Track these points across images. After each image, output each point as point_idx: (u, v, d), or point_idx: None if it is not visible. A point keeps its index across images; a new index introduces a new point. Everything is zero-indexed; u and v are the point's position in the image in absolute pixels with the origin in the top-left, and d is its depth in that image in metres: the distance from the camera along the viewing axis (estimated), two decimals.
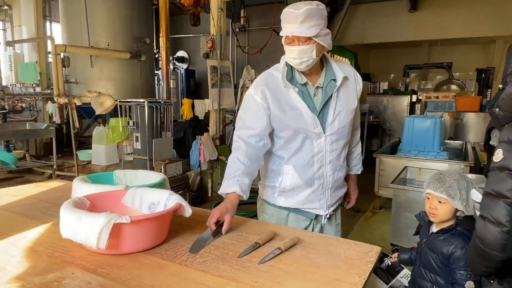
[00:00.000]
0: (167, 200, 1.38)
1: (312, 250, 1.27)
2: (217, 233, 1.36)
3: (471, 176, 3.61)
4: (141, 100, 4.20)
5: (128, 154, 4.56)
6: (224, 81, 4.85)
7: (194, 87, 8.86)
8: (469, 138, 5.91)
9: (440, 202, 1.50)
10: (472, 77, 9.48)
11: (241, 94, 5.89)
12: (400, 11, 8.76)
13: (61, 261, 1.15)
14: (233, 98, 5.22)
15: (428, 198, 1.55)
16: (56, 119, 5.62)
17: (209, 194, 4.92)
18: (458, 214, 1.51)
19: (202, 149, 4.54)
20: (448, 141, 5.62)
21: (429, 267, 1.55)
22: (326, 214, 1.68)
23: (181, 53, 9.37)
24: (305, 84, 1.56)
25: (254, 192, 4.90)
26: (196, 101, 4.83)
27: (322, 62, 1.58)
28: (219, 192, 1.55)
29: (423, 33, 9.05)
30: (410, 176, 3.70)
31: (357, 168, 1.88)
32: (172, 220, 1.35)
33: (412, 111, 8.01)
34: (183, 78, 8.66)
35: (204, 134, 4.84)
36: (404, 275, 1.78)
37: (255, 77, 6.01)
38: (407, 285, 1.70)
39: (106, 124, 5.43)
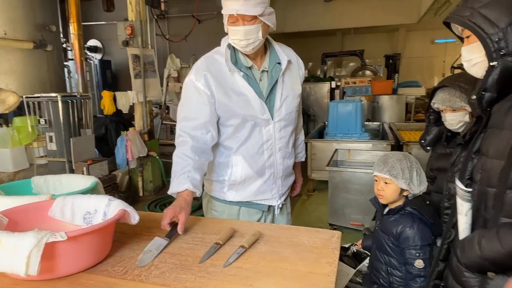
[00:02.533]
0: (107, 207, 1.19)
1: (276, 244, 1.20)
2: (172, 235, 1.22)
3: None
4: (53, 94, 3.71)
5: (41, 157, 4.01)
6: (148, 71, 4.52)
7: (111, 79, 8.18)
8: (385, 119, 6.43)
9: (386, 183, 1.56)
10: (381, 63, 10.32)
11: (167, 85, 5.60)
12: (316, 0, 9.12)
13: None
14: (160, 89, 4.91)
15: (376, 181, 1.61)
16: None
17: (141, 194, 4.60)
18: (405, 194, 1.57)
19: (129, 146, 4.20)
20: (367, 122, 6.04)
21: (382, 249, 1.59)
22: (279, 204, 1.62)
23: (93, 42, 8.56)
24: (250, 67, 1.47)
25: None
26: (118, 94, 4.43)
27: (265, 45, 1.51)
28: (168, 192, 1.40)
29: (338, 22, 9.58)
30: (341, 158, 3.87)
31: (301, 155, 1.86)
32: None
33: (332, 96, 8.44)
34: (97, 70, 7.93)
35: (130, 129, 4.48)
36: None
37: (181, 67, 5.80)
38: None
39: (10, 125, 4.71)
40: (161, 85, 5.30)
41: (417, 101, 7.76)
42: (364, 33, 11.37)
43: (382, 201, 1.60)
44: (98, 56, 8.55)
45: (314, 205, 4.18)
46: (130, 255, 1.13)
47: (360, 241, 1.85)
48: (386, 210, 1.63)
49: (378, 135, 5.68)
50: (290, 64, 1.53)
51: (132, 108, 4.65)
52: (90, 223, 1.17)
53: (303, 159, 1.89)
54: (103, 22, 8.13)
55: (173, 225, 1.26)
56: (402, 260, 1.53)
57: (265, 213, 1.62)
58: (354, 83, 7.24)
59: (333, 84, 8.01)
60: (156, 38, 7.63)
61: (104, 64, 8.13)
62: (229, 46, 1.46)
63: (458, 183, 1.07)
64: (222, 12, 1.38)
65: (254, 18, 1.34)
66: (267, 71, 1.49)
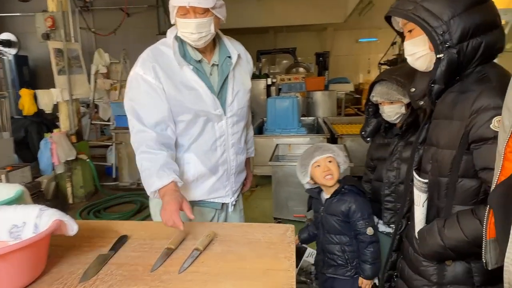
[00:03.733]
0: (38, 218, 1.05)
1: (231, 243, 1.16)
2: (117, 248, 1.11)
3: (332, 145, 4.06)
4: None
5: None
6: (74, 67, 4.14)
7: (29, 76, 7.39)
8: (319, 114, 6.70)
9: (329, 161, 1.68)
10: (312, 60, 10.76)
11: (95, 82, 5.21)
12: None
13: None
14: (87, 86, 4.54)
15: (318, 166, 1.68)
16: None
17: (70, 201, 4.21)
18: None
19: (54, 149, 3.82)
20: (303, 118, 6.24)
21: (333, 230, 1.69)
22: (233, 201, 1.59)
23: (5, 36, 7.64)
24: (200, 61, 1.41)
25: (132, 190, 4.40)
26: (40, 92, 4.00)
27: (214, 38, 1.45)
28: (149, 192, 1.29)
29: (270, 20, 9.75)
30: (282, 152, 3.93)
31: (251, 150, 1.83)
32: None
33: (268, 93, 8.57)
34: (12, 66, 7.10)
35: (55, 130, 4.07)
36: (309, 254, 1.85)
37: (110, 62, 5.43)
38: (313, 262, 1.78)
39: None
40: (89, 82, 4.91)
41: (347, 96, 8.24)
42: (296, 31, 11.74)
43: (331, 182, 1.67)
44: (12, 51, 7.65)
45: (257, 200, 4.20)
46: (70, 270, 1.01)
47: (296, 237, 1.89)
48: (326, 195, 1.72)
49: (314, 129, 5.89)
50: (240, 58, 1.50)
51: (56, 107, 4.24)
52: (19, 238, 1.02)
53: (253, 154, 1.87)
54: (17, 14, 7.31)
55: (118, 237, 1.15)
56: (351, 235, 1.66)
57: (218, 212, 1.57)
58: (289, 79, 7.45)
59: (269, 81, 8.13)
60: (81, 31, 7.06)
61: (20, 59, 7.29)
62: (177, 38, 1.39)
63: (415, 175, 1.10)
64: (172, 3, 1.31)
65: (206, 10, 1.28)
66: (217, 65, 1.44)
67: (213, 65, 1.44)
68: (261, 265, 1.02)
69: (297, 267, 1.87)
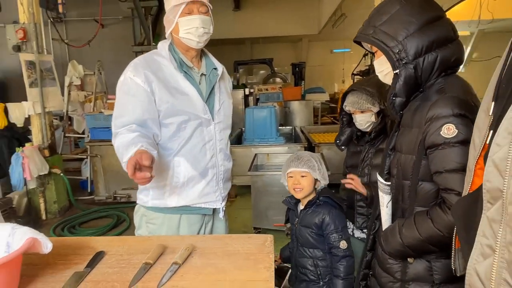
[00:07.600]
0: (11, 236, 1.03)
1: (211, 255, 1.16)
2: (93, 264, 1.09)
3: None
4: None
5: None
6: (47, 79, 4.04)
7: None
8: (296, 123, 6.79)
9: (302, 176, 1.64)
10: (288, 70, 10.95)
11: (69, 94, 5.11)
12: (225, 9, 9.28)
13: None
14: (61, 99, 4.43)
15: (291, 177, 1.67)
16: None
17: (44, 217, 4.07)
18: (316, 186, 1.68)
19: (26, 164, 3.70)
20: (280, 127, 6.31)
21: (306, 243, 1.66)
22: (223, 207, 1.62)
23: None
24: (192, 69, 1.51)
25: (107, 204, 4.33)
26: (11, 105, 3.88)
27: (202, 50, 1.57)
28: (123, 165, 1.27)
29: (246, 31, 9.88)
30: (260, 162, 3.96)
31: None
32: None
33: (246, 103, 8.62)
34: None
35: (27, 144, 3.95)
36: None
37: (85, 74, 5.33)
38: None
39: None
40: (62, 94, 4.80)
41: (323, 105, 8.40)
42: (271, 42, 11.91)
43: (300, 195, 1.66)
44: None
45: (237, 211, 4.19)
46: None
47: (278, 256, 1.88)
48: (303, 206, 1.69)
49: (291, 138, 5.96)
50: (224, 73, 1.61)
51: (28, 121, 4.12)
52: None
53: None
54: None
55: (95, 253, 1.13)
56: (325, 249, 1.62)
57: (205, 220, 1.59)
58: (267, 90, 7.53)
59: (247, 91, 8.20)
60: (53, 43, 6.92)
61: None
62: (170, 48, 1.49)
63: (379, 177, 1.16)
64: (174, 3, 1.41)
65: (207, 10, 1.44)
66: (205, 75, 1.54)
67: (201, 74, 1.54)
68: (240, 277, 1.03)
69: (280, 287, 1.85)
